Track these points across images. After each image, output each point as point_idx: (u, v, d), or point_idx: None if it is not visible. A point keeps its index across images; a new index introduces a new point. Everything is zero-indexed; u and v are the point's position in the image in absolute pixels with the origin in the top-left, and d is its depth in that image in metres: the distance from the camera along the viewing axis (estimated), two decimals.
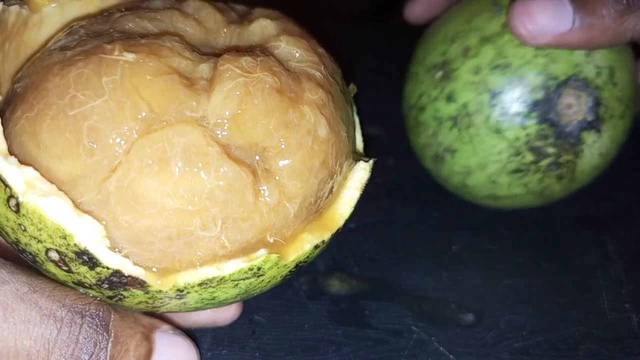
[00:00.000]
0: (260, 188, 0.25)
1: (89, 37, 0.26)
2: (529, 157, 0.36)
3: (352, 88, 0.31)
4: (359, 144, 0.31)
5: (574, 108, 0.35)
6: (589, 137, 0.36)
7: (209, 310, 0.32)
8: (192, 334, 0.27)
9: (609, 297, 0.37)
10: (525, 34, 0.33)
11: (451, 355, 0.33)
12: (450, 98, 0.36)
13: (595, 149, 0.36)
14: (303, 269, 0.37)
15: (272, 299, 0.35)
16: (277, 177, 0.26)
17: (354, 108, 0.31)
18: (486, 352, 0.33)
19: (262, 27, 0.28)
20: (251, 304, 0.35)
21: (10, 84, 0.27)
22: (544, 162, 0.36)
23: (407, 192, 0.38)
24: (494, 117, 0.35)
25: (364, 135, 0.31)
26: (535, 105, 0.35)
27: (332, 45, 0.31)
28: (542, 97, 0.35)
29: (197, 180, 0.24)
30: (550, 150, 0.35)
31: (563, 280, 0.38)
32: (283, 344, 0.33)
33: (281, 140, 0.25)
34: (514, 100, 0.35)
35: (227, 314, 0.33)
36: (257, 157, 0.25)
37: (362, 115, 0.32)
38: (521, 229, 0.41)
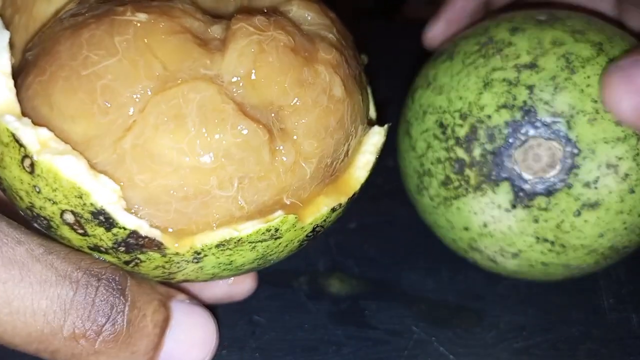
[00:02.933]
0: (277, 147, 0.25)
1: (100, 3, 0.26)
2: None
3: (364, 58, 0.31)
4: (372, 113, 0.31)
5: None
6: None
7: (225, 284, 0.32)
8: (211, 307, 0.27)
9: (609, 297, 0.37)
10: (628, 107, 0.27)
11: (451, 356, 0.33)
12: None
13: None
14: (302, 269, 0.37)
15: (272, 299, 0.36)
16: (293, 137, 0.25)
17: (366, 79, 0.31)
18: (486, 353, 0.33)
19: None
20: (251, 304, 0.35)
21: (21, 54, 0.27)
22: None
23: (407, 193, 0.38)
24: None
25: (376, 104, 0.31)
26: None
27: None
28: None
29: (214, 137, 0.24)
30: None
31: (563, 280, 0.37)
32: (283, 344, 0.33)
33: (297, 98, 0.25)
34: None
35: (244, 287, 0.32)
36: (273, 116, 0.25)
37: None
38: None
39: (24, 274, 0.23)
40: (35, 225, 0.25)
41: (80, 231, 0.24)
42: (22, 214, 0.26)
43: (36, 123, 0.24)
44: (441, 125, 0.32)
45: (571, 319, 0.35)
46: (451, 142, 0.31)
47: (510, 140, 0.30)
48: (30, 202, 0.24)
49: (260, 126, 0.24)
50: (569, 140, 0.30)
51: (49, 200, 0.24)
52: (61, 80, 0.24)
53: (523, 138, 0.30)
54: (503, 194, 0.30)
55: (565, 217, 0.30)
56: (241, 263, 0.26)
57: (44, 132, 0.24)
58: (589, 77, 0.30)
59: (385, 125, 0.29)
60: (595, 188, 0.30)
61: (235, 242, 0.25)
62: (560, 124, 0.30)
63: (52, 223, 0.24)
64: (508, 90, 0.30)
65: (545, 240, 0.31)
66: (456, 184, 0.31)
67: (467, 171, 0.31)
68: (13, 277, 0.23)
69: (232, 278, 0.32)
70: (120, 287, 0.24)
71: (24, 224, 0.25)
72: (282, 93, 0.25)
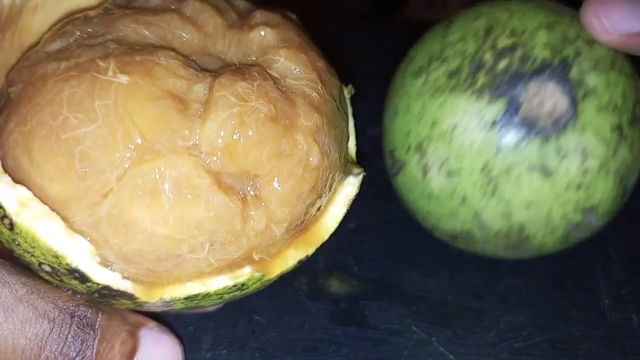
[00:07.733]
0: (249, 213, 0.26)
1: (84, 41, 0.26)
2: None
3: (350, 89, 0.31)
4: (352, 149, 0.31)
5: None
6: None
7: None
8: (176, 332, 0.29)
9: (609, 297, 0.37)
10: (597, 25, 0.32)
11: (451, 356, 0.33)
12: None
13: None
14: (302, 269, 0.37)
15: (272, 299, 0.36)
16: (265, 204, 0.26)
17: (350, 111, 0.31)
18: (486, 352, 0.33)
19: (262, 37, 0.28)
20: (251, 304, 0.35)
21: (5, 81, 0.27)
22: None
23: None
24: None
25: (359, 137, 0.31)
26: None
27: (332, 45, 0.31)
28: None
29: (187, 211, 0.24)
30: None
31: (563, 280, 0.38)
32: (283, 344, 0.33)
33: (273, 169, 0.25)
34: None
35: None
36: (249, 183, 0.26)
37: (363, 115, 0.32)
38: None
39: (8, 315, 0.25)
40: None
41: (57, 279, 0.25)
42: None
43: (16, 174, 0.25)
44: (489, 29, 0.33)
45: (571, 319, 0.35)
46: (487, 44, 0.33)
47: (535, 74, 0.32)
48: (11, 248, 0.25)
49: (234, 197, 0.25)
50: (575, 107, 0.31)
51: (28, 252, 0.25)
52: (41, 138, 0.24)
53: (546, 79, 0.32)
54: (494, 110, 0.32)
55: (519, 165, 0.32)
56: (208, 305, 0.28)
57: (23, 191, 0.24)
58: (617, 81, 0.33)
59: (360, 176, 0.30)
60: (560, 160, 0.31)
61: (203, 296, 0.26)
62: (579, 91, 0.31)
63: (31, 267, 0.26)
64: (561, 42, 0.32)
65: (487, 173, 0.32)
66: (463, 77, 0.33)
67: (481, 73, 0.32)
68: None
69: None
70: (91, 322, 0.26)
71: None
72: (259, 164, 0.25)
